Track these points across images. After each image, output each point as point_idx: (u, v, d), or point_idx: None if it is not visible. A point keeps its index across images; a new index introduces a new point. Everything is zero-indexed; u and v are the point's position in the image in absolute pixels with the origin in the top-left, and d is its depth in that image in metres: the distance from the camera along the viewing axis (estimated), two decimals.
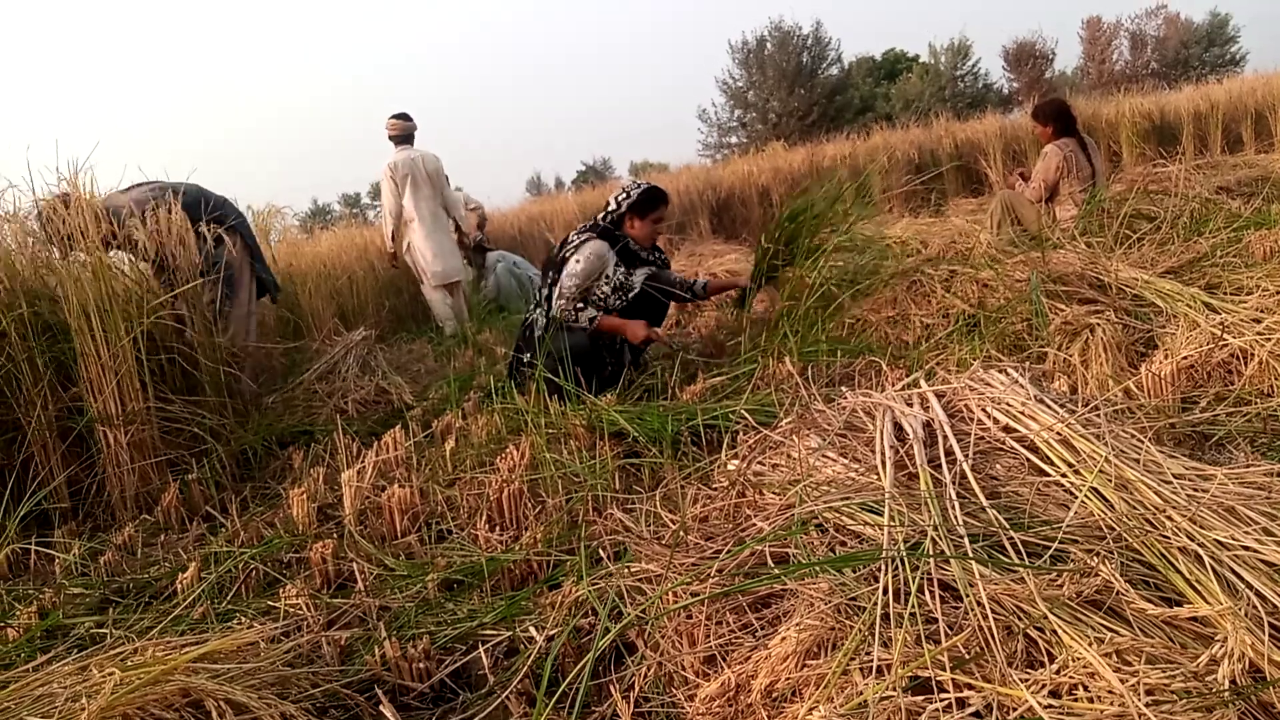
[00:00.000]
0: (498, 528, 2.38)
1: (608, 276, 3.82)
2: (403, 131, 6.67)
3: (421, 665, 1.68)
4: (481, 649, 1.73)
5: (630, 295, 3.90)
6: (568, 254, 3.81)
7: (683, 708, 1.42)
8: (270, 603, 2.11)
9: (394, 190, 6.57)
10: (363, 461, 2.97)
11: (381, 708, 1.52)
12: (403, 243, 6.78)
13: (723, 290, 4.45)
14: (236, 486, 3.23)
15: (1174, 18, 40.09)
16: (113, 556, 2.60)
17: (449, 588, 2.11)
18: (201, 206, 4.13)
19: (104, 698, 1.34)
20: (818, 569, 1.48)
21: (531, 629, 1.76)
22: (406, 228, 6.70)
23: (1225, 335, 2.68)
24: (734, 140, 38.44)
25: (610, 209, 3.95)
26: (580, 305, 3.72)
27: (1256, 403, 2.36)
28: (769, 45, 37.92)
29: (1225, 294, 3.04)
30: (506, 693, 1.56)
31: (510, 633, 1.79)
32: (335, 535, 2.52)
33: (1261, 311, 2.78)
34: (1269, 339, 2.59)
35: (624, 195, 3.95)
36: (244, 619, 2.00)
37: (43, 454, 3.11)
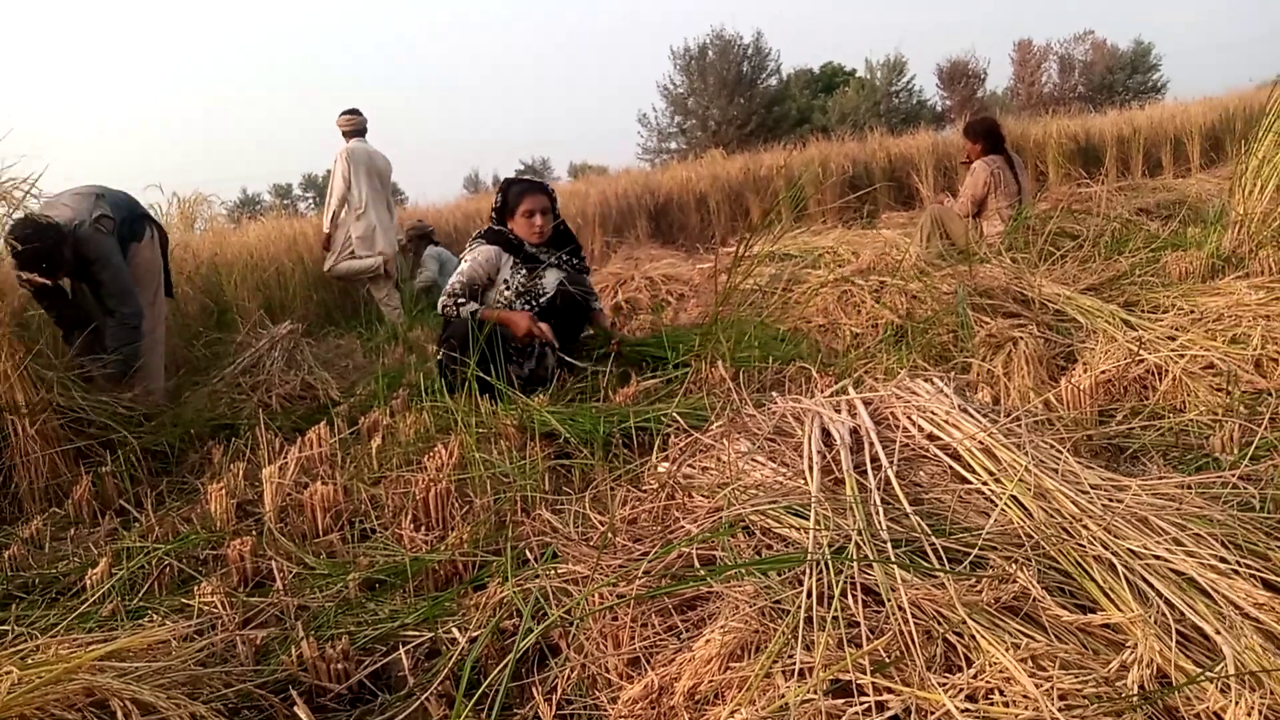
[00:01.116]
0: (423, 527, 2.34)
1: (506, 281, 3.69)
2: (356, 126, 6.66)
3: (340, 666, 1.65)
4: (402, 650, 1.70)
5: (543, 300, 3.70)
6: (463, 256, 3.77)
7: (605, 710, 1.41)
8: (184, 600, 2.04)
9: (346, 175, 6.52)
10: (285, 458, 2.90)
11: (296, 708, 1.48)
12: (342, 230, 6.67)
13: (599, 331, 3.96)
14: (152, 481, 3.12)
15: (1101, 44, 41.57)
16: (18, 550, 2.49)
17: (371, 588, 2.07)
18: (127, 224, 3.98)
19: (0, 697, 1.28)
20: (743, 572, 1.48)
21: (454, 630, 1.73)
22: (353, 215, 6.60)
23: (1142, 351, 2.76)
24: (673, 146, 38.64)
25: (492, 212, 3.87)
26: (462, 300, 3.60)
27: (1169, 417, 2.44)
28: (710, 53, 38.22)
29: (1143, 312, 3.15)
30: (426, 694, 1.53)
31: (432, 634, 1.76)
32: (254, 532, 2.45)
33: (1176, 329, 2.88)
34: (1182, 356, 2.68)
35: (496, 196, 3.85)
36: (156, 617, 1.93)
37: None
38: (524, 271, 3.71)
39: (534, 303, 3.69)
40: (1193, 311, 3.00)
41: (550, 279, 3.76)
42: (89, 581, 2.16)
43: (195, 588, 2.07)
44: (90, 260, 3.73)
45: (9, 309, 3.10)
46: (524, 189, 3.76)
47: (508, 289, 3.68)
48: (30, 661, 1.44)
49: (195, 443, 3.52)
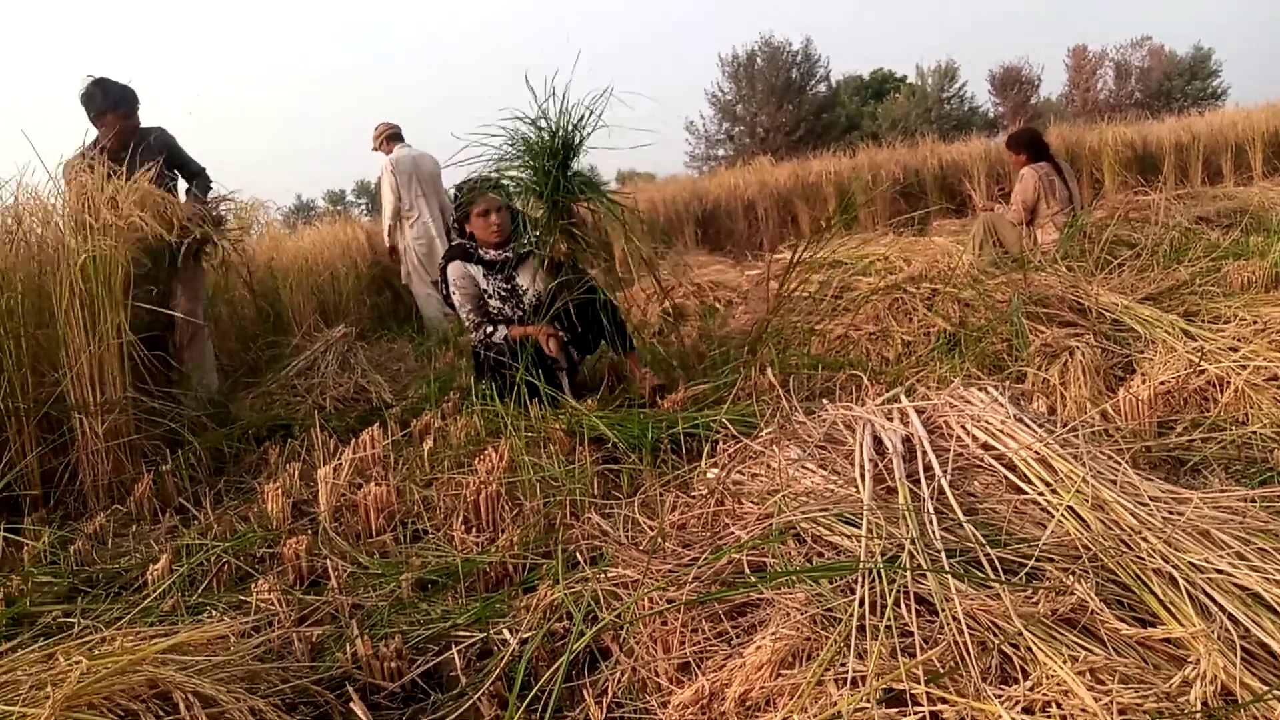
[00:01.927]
0: (474, 529, 2.36)
1: (488, 291, 3.63)
2: (390, 132, 6.74)
3: (393, 664, 1.67)
4: (454, 650, 1.72)
5: (524, 300, 3.62)
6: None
7: (655, 714, 1.42)
8: (242, 597, 2.08)
9: (393, 186, 6.60)
10: (339, 459, 2.95)
11: (352, 705, 1.50)
12: (398, 238, 6.80)
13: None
14: (211, 480, 3.20)
15: (1158, 49, 40.72)
16: (83, 545, 2.57)
17: (423, 588, 2.10)
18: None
19: (70, 686, 1.32)
20: (794, 579, 1.48)
21: (506, 631, 1.75)
22: (403, 224, 6.73)
23: (1202, 362, 2.71)
24: (721, 153, 38.56)
25: (454, 224, 3.81)
26: (487, 327, 3.59)
27: (1231, 429, 2.38)
28: (759, 60, 38.11)
29: (1203, 322, 3.08)
30: (478, 694, 1.55)
31: (484, 635, 1.78)
32: (310, 532, 2.49)
33: (1238, 340, 2.82)
34: (1245, 367, 2.62)
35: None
36: (214, 612, 1.98)
37: (16, 439, 3.07)
38: (497, 277, 3.64)
39: (519, 307, 3.64)
40: (1255, 322, 2.93)
41: (525, 277, 3.67)
42: (151, 577, 2.22)
43: (252, 585, 2.11)
44: (174, 149, 4.33)
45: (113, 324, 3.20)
46: (471, 188, 3.66)
47: (494, 298, 3.65)
48: (97, 653, 1.49)
49: (252, 443, 3.59)
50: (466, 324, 3.64)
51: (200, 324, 4.18)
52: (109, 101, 3.99)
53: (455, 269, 3.64)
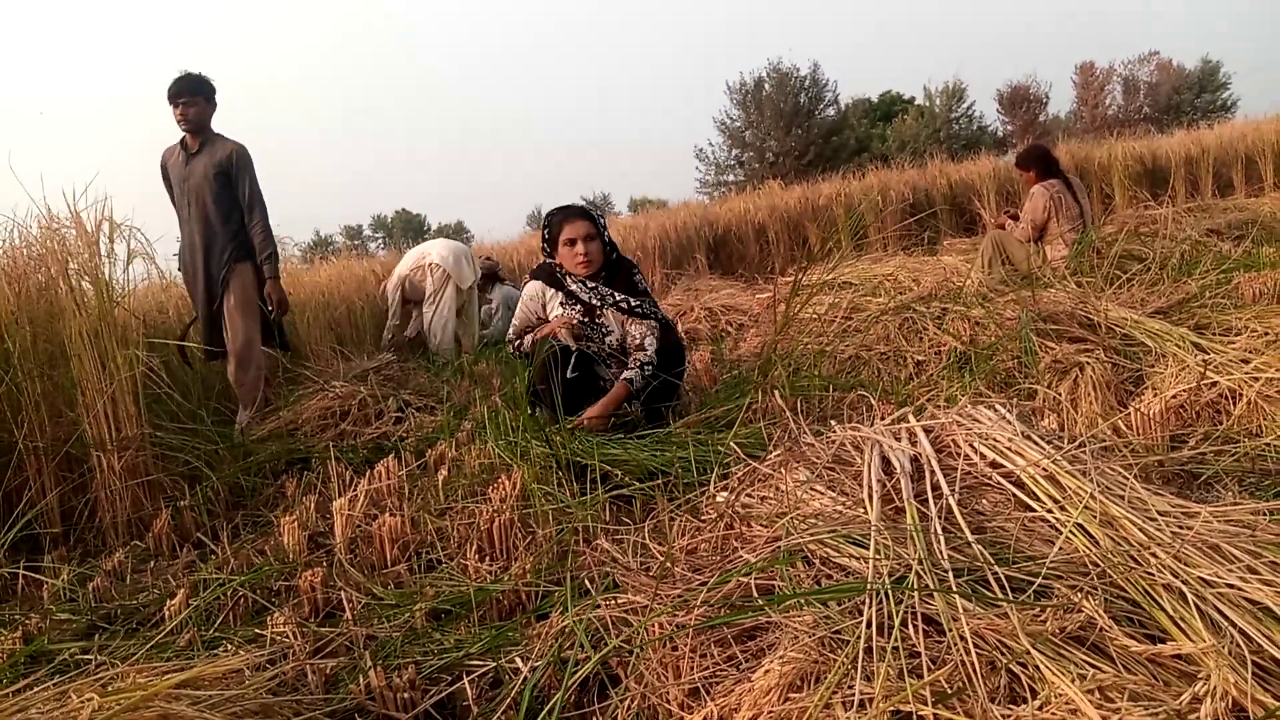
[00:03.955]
0: (488, 558, 2.37)
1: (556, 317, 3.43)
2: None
3: (406, 695, 1.68)
4: (466, 679, 1.72)
5: (608, 342, 3.41)
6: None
7: None
8: (258, 630, 2.09)
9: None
10: (355, 490, 2.97)
11: None
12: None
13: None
14: (229, 514, 3.22)
15: (1166, 64, 40.65)
16: (101, 582, 2.59)
17: (437, 617, 2.10)
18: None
19: None
20: (802, 601, 1.48)
21: (518, 659, 1.76)
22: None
23: (1214, 375, 2.70)
24: (731, 178, 38.62)
25: (542, 247, 3.59)
26: (518, 342, 3.51)
27: (1244, 442, 2.37)
28: (767, 86, 38.25)
29: (1214, 335, 3.07)
30: None
31: (496, 663, 1.78)
32: (325, 563, 2.51)
33: (1250, 352, 2.80)
34: (1257, 379, 2.61)
35: (543, 229, 3.57)
36: (230, 646, 1.99)
37: (36, 477, 3.11)
38: (579, 309, 3.42)
39: (600, 346, 3.41)
40: (1267, 334, 2.92)
41: (612, 319, 3.43)
42: (167, 612, 2.24)
43: (268, 618, 2.12)
44: (240, 166, 4.43)
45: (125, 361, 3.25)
46: (562, 216, 3.43)
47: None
48: (110, 689, 1.50)
49: (270, 476, 3.62)
50: (508, 341, 3.59)
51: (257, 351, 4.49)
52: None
53: (532, 287, 3.51)
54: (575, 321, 3.32)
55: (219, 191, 4.40)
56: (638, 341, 3.39)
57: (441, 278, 6.91)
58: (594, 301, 3.41)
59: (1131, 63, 40.97)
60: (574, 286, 3.43)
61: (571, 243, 3.37)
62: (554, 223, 3.45)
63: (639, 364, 3.30)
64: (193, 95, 4.38)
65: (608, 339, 3.41)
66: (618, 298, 3.41)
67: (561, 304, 3.44)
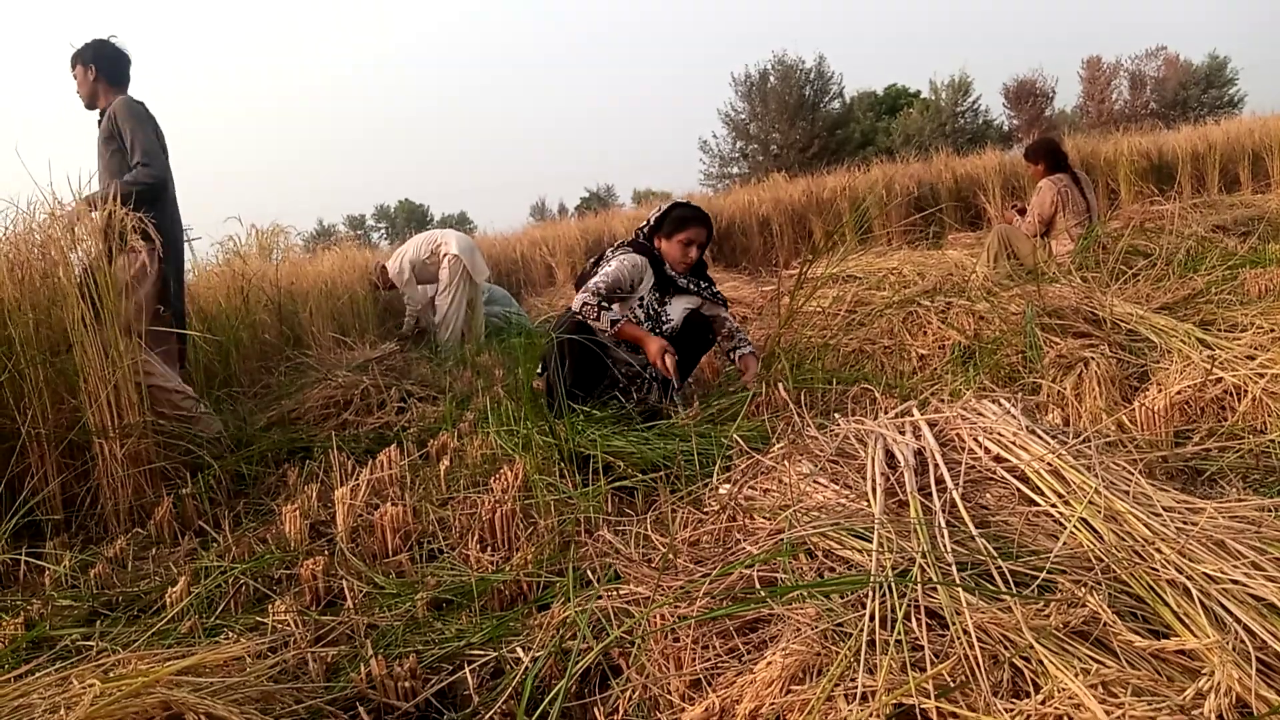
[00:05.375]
0: (489, 548, 2.37)
1: (641, 299, 3.60)
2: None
3: (407, 684, 1.67)
4: (468, 669, 1.72)
5: (665, 327, 3.60)
6: (607, 257, 3.68)
7: None
8: (259, 618, 2.09)
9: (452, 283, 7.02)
10: (357, 479, 2.96)
11: None
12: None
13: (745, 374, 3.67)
14: (230, 502, 3.22)
15: (1173, 59, 40.50)
16: (103, 569, 2.59)
17: (438, 607, 2.10)
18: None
19: (82, 709, 1.33)
20: (805, 594, 1.48)
21: (519, 650, 1.75)
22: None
23: (1219, 371, 2.69)
24: (735, 171, 38.64)
25: (643, 225, 3.75)
26: (605, 305, 3.44)
27: (1249, 438, 2.36)
28: (772, 78, 38.21)
29: (1220, 330, 3.06)
30: (490, 713, 1.55)
31: (497, 653, 1.78)
32: (327, 552, 2.51)
33: (1255, 348, 2.80)
34: (1262, 375, 2.60)
35: (656, 211, 3.72)
36: (231, 634, 1.99)
37: (39, 464, 3.11)
38: (657, 294, 3.65)
39: (657, 328, 3.61)
40: (1273, 330, 2.91)
41: (676, 308, 3.66)
42: (169, 600, 2.24)
43: (269, 606, 2.12)
44: (120, 119, 3.87)
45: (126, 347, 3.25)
46: (691, 216, 3.64)
47: (640, 306, 3.60)
48: (111, 676, 1.50)
49: (271, 465, 3.62)
50: (590, 288, 3.48)
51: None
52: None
53: (636, 259, 3.61)
54: (673, 359, 3.38)
55: (109, 158, 3.91)
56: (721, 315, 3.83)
57: (459, 270, 6.93)
58: (691, 288, 3.71)
59: (1138, 58, 40.85)
60: (673, 273, 3.67)
61: (689, 244, 3.63)
62: (680, 219, 3.65)
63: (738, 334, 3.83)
64: (72, 70, 4.04)
65: (666, 325, 3.64)
66: (702, 285, 3.77)
67: (652, 287, 3.65)
